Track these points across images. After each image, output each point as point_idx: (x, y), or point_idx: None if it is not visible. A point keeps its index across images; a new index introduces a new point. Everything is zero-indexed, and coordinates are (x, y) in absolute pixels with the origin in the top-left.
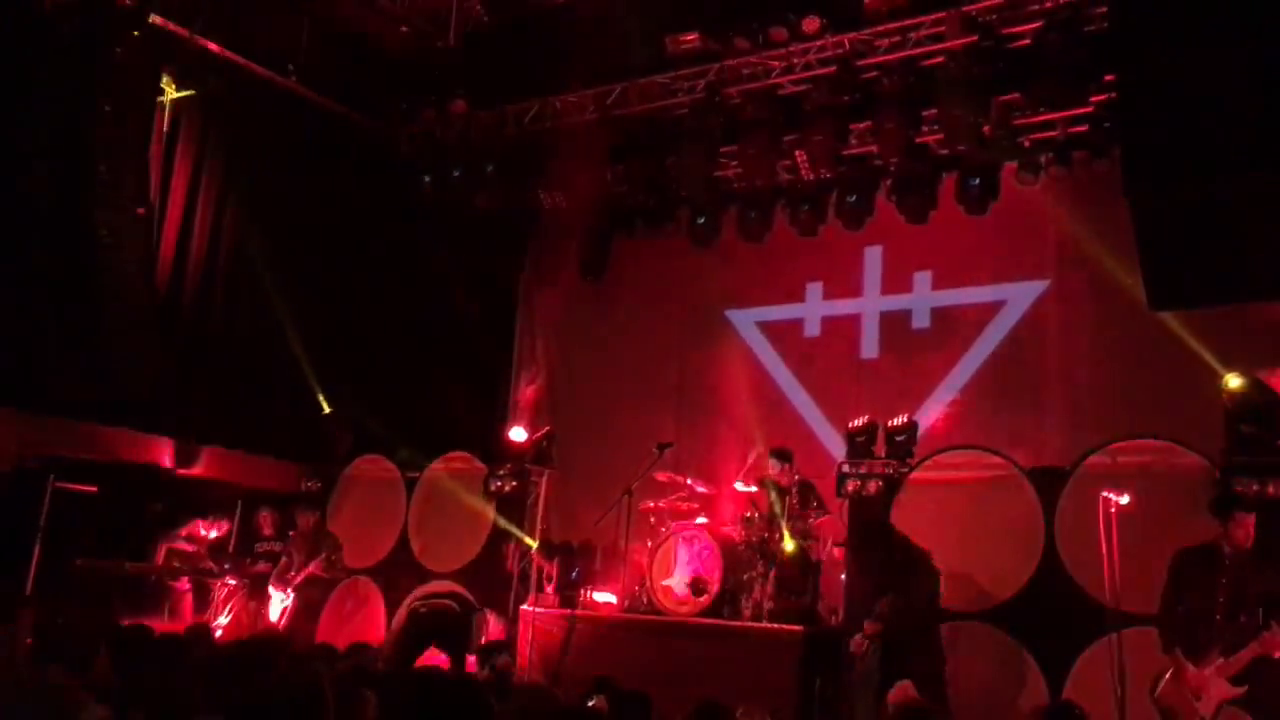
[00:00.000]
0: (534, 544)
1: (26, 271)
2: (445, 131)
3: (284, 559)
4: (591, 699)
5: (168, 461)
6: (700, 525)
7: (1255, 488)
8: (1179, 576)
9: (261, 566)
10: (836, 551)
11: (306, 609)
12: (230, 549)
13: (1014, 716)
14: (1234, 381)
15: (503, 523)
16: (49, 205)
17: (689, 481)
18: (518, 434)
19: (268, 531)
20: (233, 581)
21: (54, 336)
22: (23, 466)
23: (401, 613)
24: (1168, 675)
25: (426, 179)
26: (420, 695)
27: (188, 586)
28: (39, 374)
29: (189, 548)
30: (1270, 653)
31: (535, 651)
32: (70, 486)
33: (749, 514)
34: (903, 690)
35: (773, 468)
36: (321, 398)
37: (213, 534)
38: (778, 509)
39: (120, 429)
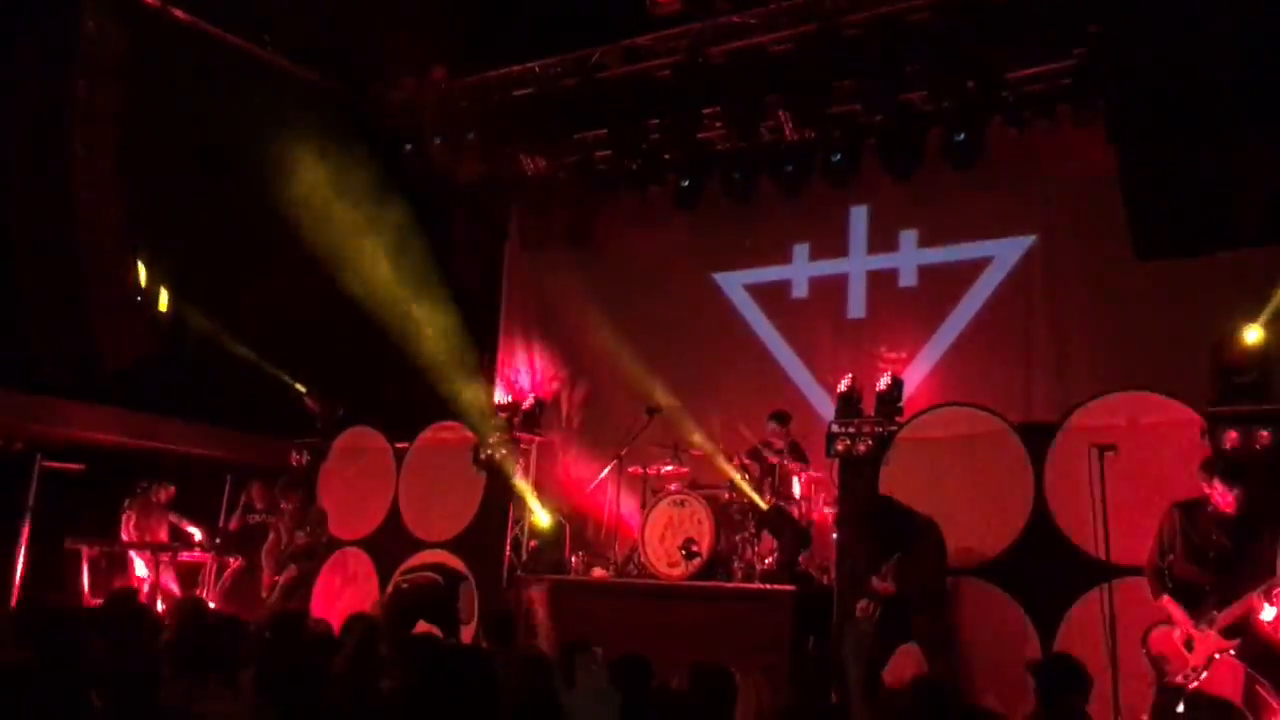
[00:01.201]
0: (533, 509)
1: (5, 248)
2: (425, 99)
3: (272, 535)
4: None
5: (155, 438)
6: (690, 489)
7: (1235, 435)
8: (1170, 527)
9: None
10: (827, 512)
11: (297, 582)
12: (222, 525)
13: (1008, 670)
14: (1252, 334)
15: (521, 488)
16: (26, 180)
17: (679, 445)
18: (506, 402)
19: (259, 505)
20: (232, 560)
21: (37, 314)
22: (9, 446)
23: (389, 589)
24: (1160, 625)
25: (408, 147)
26: (426, 667)
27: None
28: (23, 352)
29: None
30: (1255, 612)
31: (528, 619)
32: (58, 466)
33: (740, 476)
34: (909, 659)
35: (771, 430)
36: (302, 373)
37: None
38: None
39: (107, 407)
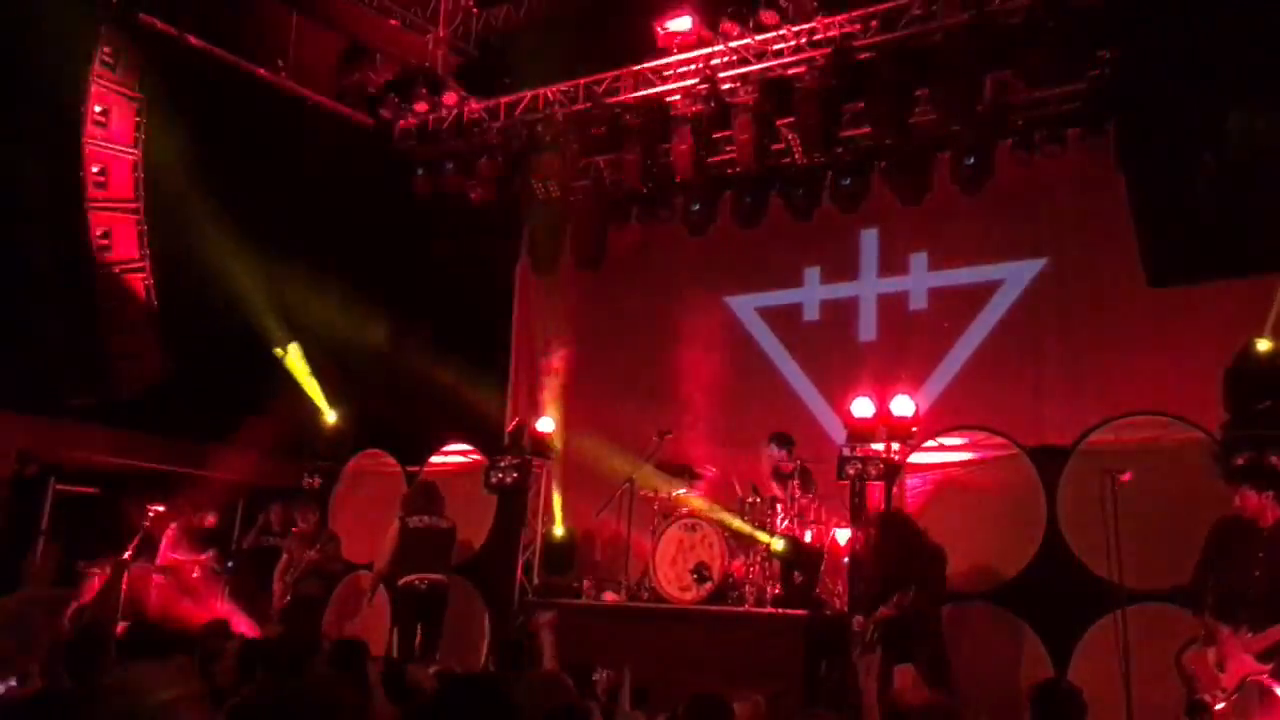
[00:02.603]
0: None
1: (23, 275)
2: (438, 124)
3: (285, 556)
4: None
5: (168, 461)
6: (701, 512)
7: (1249, 459)
8: (1216, 545)
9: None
10: (839, 536)
11: (307, 604)
12: (234, 545)
13: (1018, 696)
14: (1262, 345)
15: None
16: (41, 207)
17: (690, 468)
18: (517, 425)
19: (276, 526)
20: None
21: (53, 339)
22: (24, 470)
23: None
24: (1195, 645)
25: (420, 171)
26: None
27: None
28: (39, 377)
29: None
30: None
31: (538, 642)
32: (71, 489)
33: (750, 499)
34: (907, 677)
35: (774, 454)
36: (321, 396)
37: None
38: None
39: (121, 430)
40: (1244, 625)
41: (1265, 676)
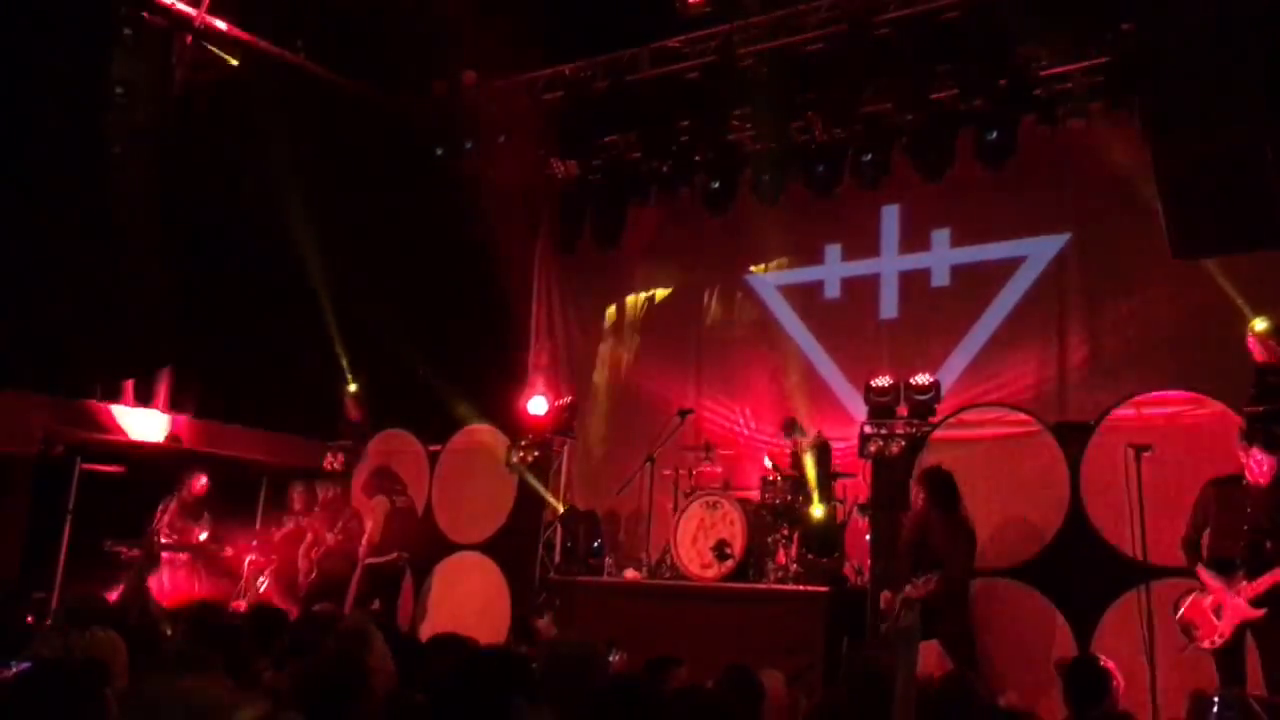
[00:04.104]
0: (561, 509)
1: (42, 254)
2: (456, 103)
3: (309, 535)
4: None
5: (192, 441)
6: (723, 490)
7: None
8: (1204, 502)
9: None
10: (858, 516)
11: (328, 583)
12: (258, 526)
13: (1043, 672)
14: (1260, 324)
15: (533, 484)
16: (62, 187)
17: (710, 446)
18: (538, 405)
19: (298, 506)
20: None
21: (74, 318)
22: (50, 450)
23: None
24: (1192, 594)
25: (439, 151)
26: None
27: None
28: (63, 357)
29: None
30: None
31: (561, 619)
32: (97, 468)
33: (771, 477)
34: (932, 654)
35: (791, 439)
36: (345, 373)
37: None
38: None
39: (145, 409)
40: (1238, 574)
41: (1261, 621)
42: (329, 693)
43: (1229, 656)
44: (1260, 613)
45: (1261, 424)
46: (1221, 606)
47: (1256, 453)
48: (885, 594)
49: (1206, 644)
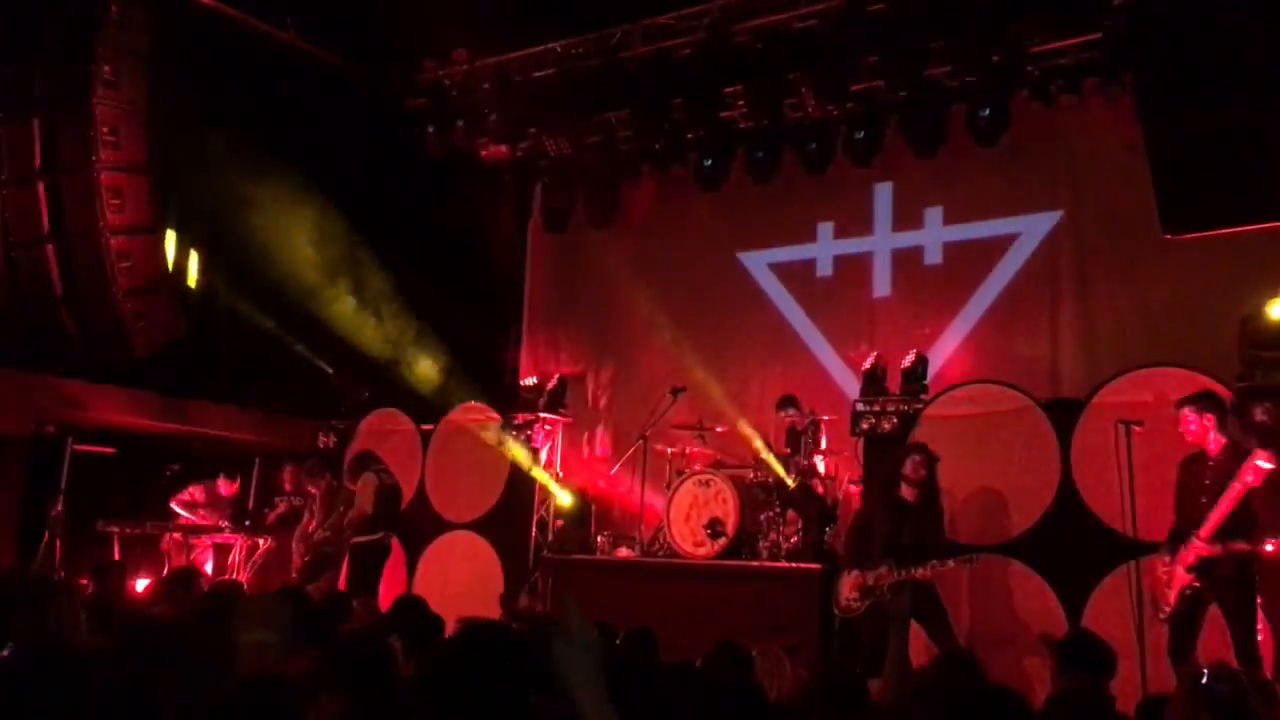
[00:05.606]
0: (554, 489)
1: (33, 233)
2: (447, 81)
3: (306, 516)
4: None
5: (184, 421)
6: (715, 468)
7: (1264, 410)
8: (1179, 478)
9: (272, 516)
10: (852, 489)
11: (324, 565)
12: (249, 507)
13: (1033, 648)
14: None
15: (525, 464)
16: (52, 164)
17: (703, 425)
18: (531, 383)
19: (288, 487)
20: (260, 540)
21: (66, 298)
22: (42, 431)
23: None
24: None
25: (430, 130)
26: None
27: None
28: (54, 337)
29: (200, 500)
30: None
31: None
32: (89, 449)
33: (764, 455)
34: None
35: (788, 416)
36: (330, 355)
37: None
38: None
39: (137, 390)
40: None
41: (1195, 585)
42: None
43: (1177, 627)
44: (1190, 578)
45: (1259, 407)
46: (1171, 577)
47: (1186, 413)
48: (883, 569)
49: (1162, 615)
